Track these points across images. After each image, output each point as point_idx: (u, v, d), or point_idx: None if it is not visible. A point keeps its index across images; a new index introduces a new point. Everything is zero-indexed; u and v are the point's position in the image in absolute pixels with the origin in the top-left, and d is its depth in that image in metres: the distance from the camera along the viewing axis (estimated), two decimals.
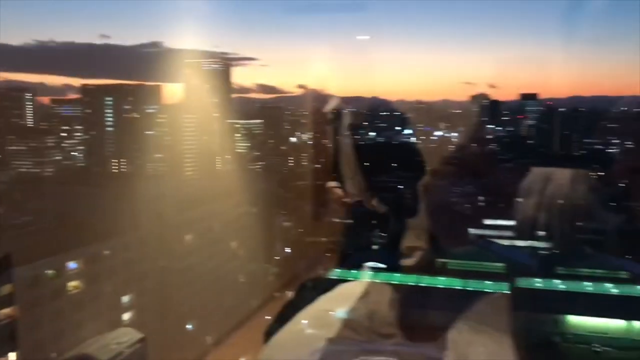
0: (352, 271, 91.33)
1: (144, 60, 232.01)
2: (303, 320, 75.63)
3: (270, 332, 77.51)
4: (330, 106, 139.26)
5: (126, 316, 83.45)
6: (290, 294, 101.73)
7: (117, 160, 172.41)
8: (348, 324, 74.18)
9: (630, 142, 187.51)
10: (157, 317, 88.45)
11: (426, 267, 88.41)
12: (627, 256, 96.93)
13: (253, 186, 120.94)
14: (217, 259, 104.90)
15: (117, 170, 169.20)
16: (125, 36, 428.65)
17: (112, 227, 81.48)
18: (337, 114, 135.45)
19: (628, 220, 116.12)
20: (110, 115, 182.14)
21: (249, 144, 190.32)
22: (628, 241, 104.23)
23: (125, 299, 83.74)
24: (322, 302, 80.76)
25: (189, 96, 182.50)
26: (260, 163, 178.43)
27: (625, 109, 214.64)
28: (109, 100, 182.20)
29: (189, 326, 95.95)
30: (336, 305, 78.25)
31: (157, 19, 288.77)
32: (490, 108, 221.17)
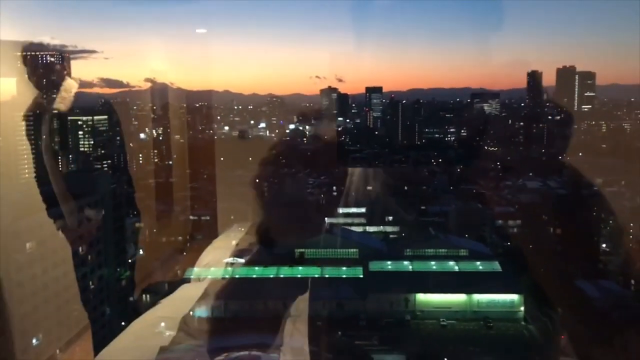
0: (211, 269, 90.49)
1: None
2: (136, 329, 72.47)
3: (100, 344, 73.69)
4: (30, 107, 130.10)
5: None
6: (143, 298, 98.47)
7: None
8: (183, 328, 72.58)
9: (464, 131, 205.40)
10: None
11: (262, 261, 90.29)
12: (465, 235, 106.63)
13: (100, 186, 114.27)
14: (64, 267, 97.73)
15: None
16: None
17: None
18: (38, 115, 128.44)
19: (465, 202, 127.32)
20: None
21: (93, 142, 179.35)
22: (465, 221, 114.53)
23: None
24: (159, 308, 78.36)
25: (21, 92, 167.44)
26: (107, 162, 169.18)
27: (459, 99, 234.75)
28: None
29: (34, 341, 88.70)
30: (173, 310, 76.05)
31: None
32: (338, 101, 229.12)
